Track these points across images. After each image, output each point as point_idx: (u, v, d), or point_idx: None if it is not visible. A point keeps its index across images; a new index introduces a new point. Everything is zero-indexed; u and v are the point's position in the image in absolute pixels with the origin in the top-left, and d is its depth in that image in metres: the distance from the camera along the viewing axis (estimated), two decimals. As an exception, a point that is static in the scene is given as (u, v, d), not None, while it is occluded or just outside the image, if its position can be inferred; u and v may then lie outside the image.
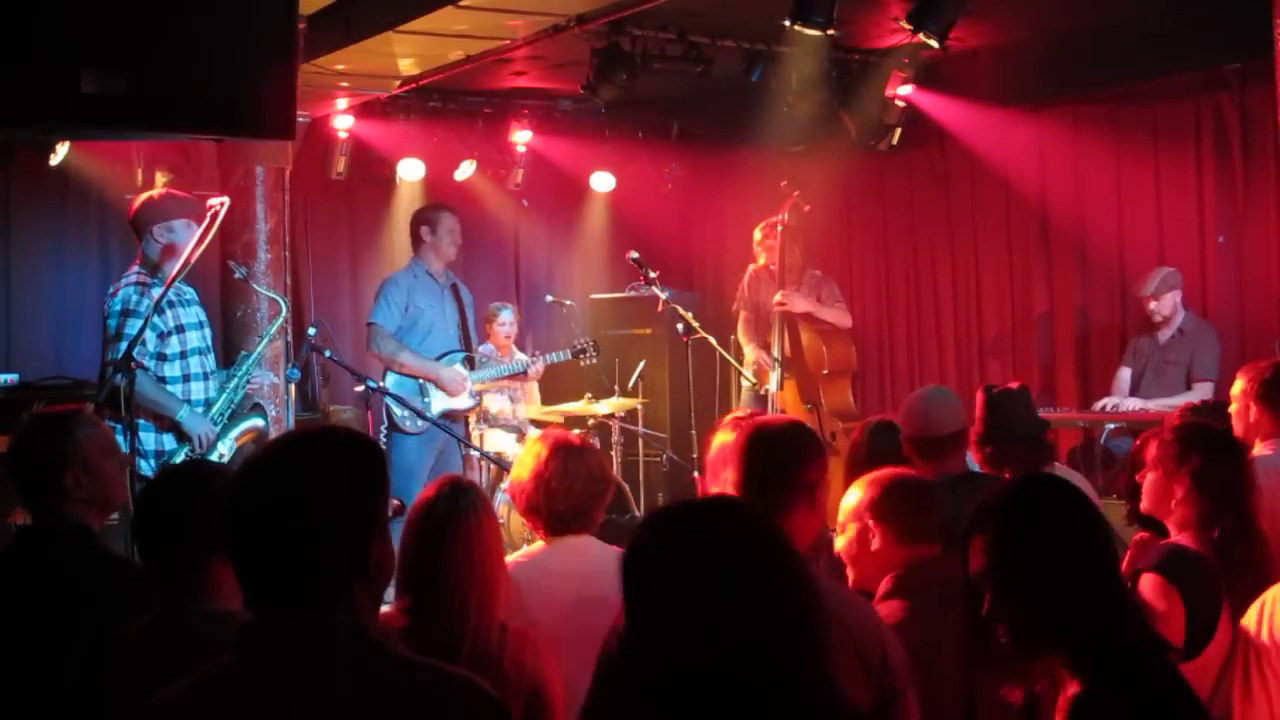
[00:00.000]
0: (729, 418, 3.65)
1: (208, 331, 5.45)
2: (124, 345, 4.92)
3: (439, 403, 6.63)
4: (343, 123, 8.12)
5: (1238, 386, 4.21)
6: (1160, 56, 6.97)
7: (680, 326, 6.52)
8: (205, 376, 5.30)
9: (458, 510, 2.74)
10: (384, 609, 2.32)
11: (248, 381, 5.49)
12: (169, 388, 5.15)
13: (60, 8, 3.36)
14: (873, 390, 8.80)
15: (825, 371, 7.67)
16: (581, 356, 7.43)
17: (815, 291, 7.79)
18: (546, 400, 8.17)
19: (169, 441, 5.14)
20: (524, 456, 3.36)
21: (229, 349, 6.74)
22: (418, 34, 6.21)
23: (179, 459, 5.08)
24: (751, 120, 7.58)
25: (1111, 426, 6.70)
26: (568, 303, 8.46)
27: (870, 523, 3.01)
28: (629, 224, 9.52)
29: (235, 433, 5.31)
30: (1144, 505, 3.27)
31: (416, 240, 6.83)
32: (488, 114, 8.72)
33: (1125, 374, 6.94)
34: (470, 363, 6.83)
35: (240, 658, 1.83)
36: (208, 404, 5.27)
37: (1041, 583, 2.14)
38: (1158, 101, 7.42)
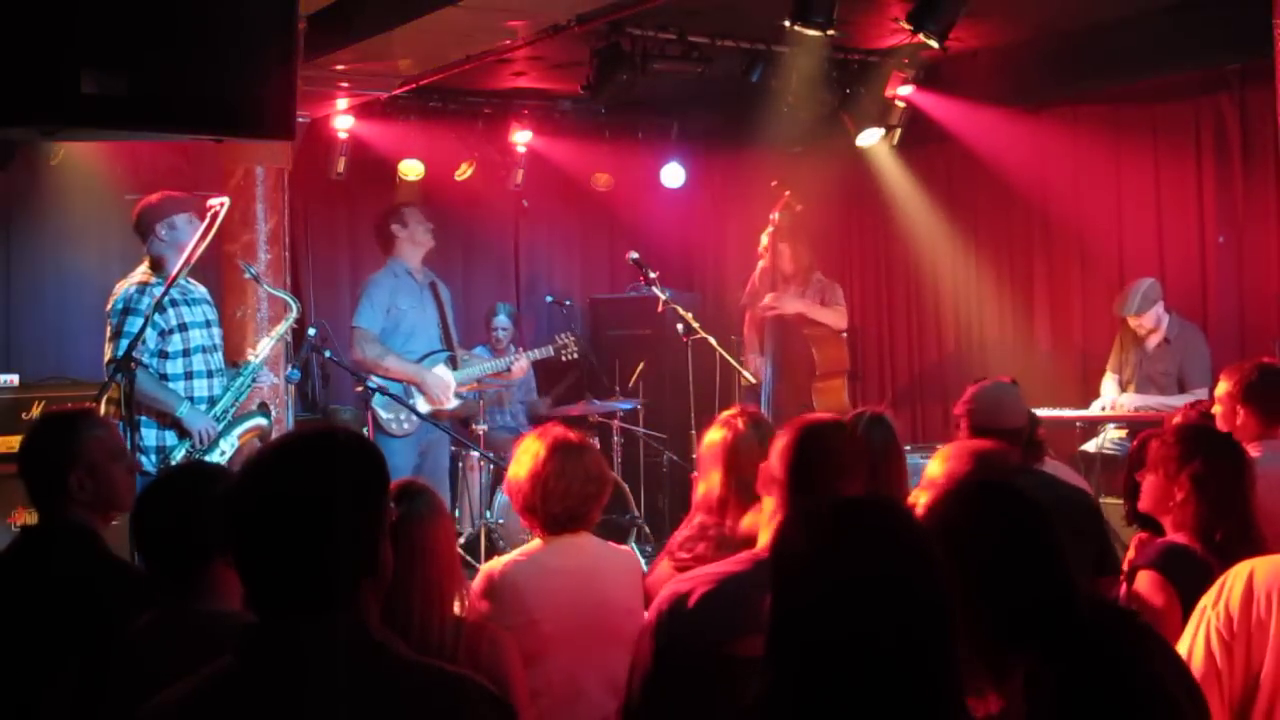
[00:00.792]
0: (722, 416, 3.65)
1: (215, 330, 5.46)
2: (124, 343, 4.95)
3: (423, 404, 6.63)
4: (343, 123, 8.11)
5: (1222, 388, 4.19)
6: (1160, 56, 6.95)
7: (680, 327, 6.51)
8: (209, 374, 5.32)
9: (409, 517, 2.68)
10: None
11: (253, 381, 5.50)
12: (171, 384, 5.17)
13: (60, 8, 3.36)
14: (873, 390, 8.79)
15: (816, 374, 7.59)
16: (563, 352, 7.41)
17: (819, 295, 7.61)
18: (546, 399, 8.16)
19: (170, 438, 5.16)
20: (521, 455, 3.34)
21: (227, 349, 6.71)
22: (418, 34, 6.20)
23: (179, 455, 5.10)
24: (751, 120, 7.57)
25: (1111, 427, 6.69)
26: (568, 302, 8.46)
27: None
28: (629, 224, 9.52)
29: (238, 430, 5.32)
30: (1142, 505, 3.27)
31: (388, 239, 6.83)
32: (488, 114, 8.71)
33: (1111, 382, 6.89)
34: (454, 362, 6.83)
35: (241, 660, 1.83)
36: (211, 401, 5.28)
37: (986, 592, 2.11)
38: (1157, 101, 7.42)
